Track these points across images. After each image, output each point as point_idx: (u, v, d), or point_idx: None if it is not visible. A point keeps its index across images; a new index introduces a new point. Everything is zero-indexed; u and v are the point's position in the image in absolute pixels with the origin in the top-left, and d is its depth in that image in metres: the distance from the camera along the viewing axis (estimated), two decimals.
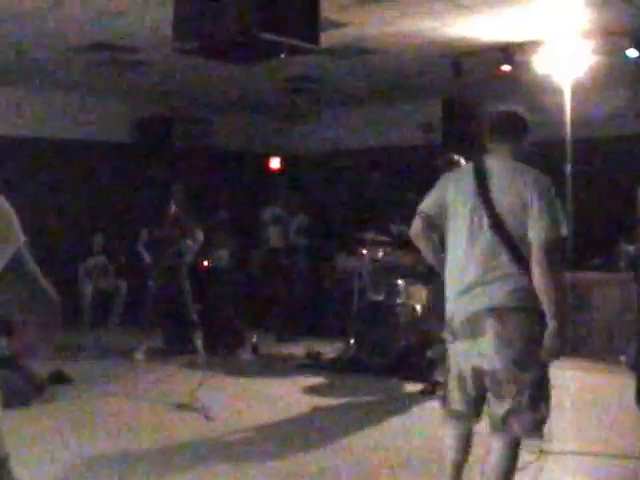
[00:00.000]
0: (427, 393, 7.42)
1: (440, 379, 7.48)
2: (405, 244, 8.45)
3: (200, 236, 9.32)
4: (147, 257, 9.39)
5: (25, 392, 6.84)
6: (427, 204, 3.99)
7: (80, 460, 5.49)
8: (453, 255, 3.86)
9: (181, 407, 6.88)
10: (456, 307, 3.79)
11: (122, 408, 6.95)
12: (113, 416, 6.70)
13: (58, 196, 11.48)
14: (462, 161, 7.51)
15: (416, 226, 4.00)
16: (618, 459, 5.42)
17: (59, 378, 7.58)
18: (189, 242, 9.20)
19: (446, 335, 3.86)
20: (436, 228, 3.99)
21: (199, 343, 9.10)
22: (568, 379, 8.02)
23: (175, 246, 9.08)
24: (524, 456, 5.40)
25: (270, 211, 11.07)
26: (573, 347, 8.61)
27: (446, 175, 4.12)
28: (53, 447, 5.74)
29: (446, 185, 3.97)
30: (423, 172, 11.83)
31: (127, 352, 9.11)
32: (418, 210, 4.00)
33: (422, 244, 4.04)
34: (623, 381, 7.02)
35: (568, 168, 8.48)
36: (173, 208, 9.16)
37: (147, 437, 6.10)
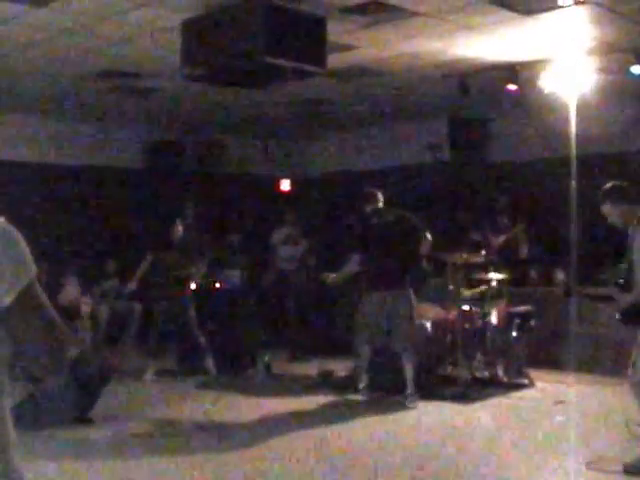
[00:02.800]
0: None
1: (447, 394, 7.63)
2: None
3: (204, 266, 9.43)
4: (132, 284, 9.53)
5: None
6: None
7: None
8: None
9: (195, 427, 6.92)
10: None
11: (136, 429, 7.00)
12: (127, 437, 6.75)
13: (71, 221, 11.61)
14: (379, 195, 7.99)
15: None
16: (627, 475, 5.44)
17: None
18: (193, 270, 9.30)
19: None
20: None
21: (210, 364, 9.18)
22: (576, 394, 8.05)
23: (180, 272, 9.16)
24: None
25: (279, 232, 11.15)
26: (581, 362, 8.66)
27: None
28: (71, 470, 5.83)
29: None
30: (431, 191, 11.99)
31: (139, 374, 9.18)
32: None
33: None
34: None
35: (573, 184, 8.53)
36: (181, 229, 9.24)
37: (161, 457, 6.14)
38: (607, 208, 5.75)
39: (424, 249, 7.95)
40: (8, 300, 1.79)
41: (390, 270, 7.72)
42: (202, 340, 9.18)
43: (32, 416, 6.72)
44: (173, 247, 9.22)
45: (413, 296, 7.87)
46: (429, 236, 7.89)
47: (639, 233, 5.43)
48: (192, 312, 9.15)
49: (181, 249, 9.20)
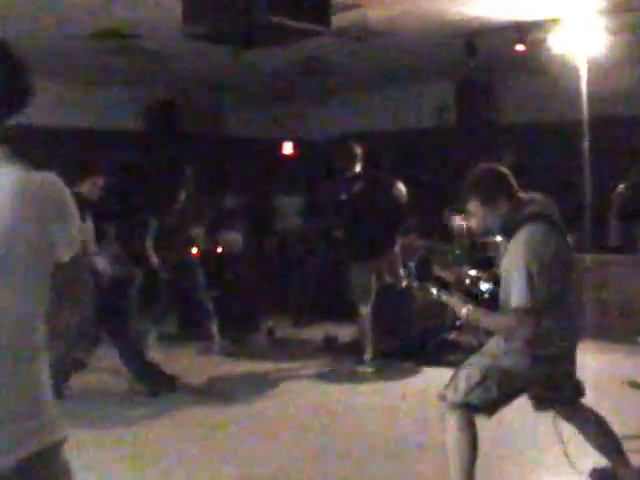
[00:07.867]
0: None
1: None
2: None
3: (203, 228, 9.31)
4: (153, 256, 9.22)
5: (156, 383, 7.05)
6: None
7: (94, 447, 5.51)
8: None
9: (198, 392, 6.89)
10: None
11: (139, 394, 6.95)
12: (129, 403, 6.71)
13: (66, 185, 11.45)
14: (356, 150, 8.05)
15: None
16: (635, 439, 5.36)
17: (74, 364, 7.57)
18: (197, 230, 9.15)
19: None
20: None
21: (214, 329, 9.08)
22: (584, 360, 7.96)
23: (184, 234, 9.03)
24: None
25: (283, 197, 11.05)
26: (589, 328, 8.58)
27: None
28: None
29: None
30: (436, 155, 11.85)
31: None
32: None
33: None
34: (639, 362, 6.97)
35: (585, 146, 8.41)
36: (183, 195, 9.12)
37: (164, 424, 6.11)
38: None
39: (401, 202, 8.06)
40: (66, 257, 1.89)
41: (373, 239, 7.76)
42: (209, 305, 9.07)
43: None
44: (174, 211, 9.08)
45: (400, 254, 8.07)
46: (402, 188, 8.07)
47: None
48: (200, 276, 9.02)
49: (183, 213, 9.07)
